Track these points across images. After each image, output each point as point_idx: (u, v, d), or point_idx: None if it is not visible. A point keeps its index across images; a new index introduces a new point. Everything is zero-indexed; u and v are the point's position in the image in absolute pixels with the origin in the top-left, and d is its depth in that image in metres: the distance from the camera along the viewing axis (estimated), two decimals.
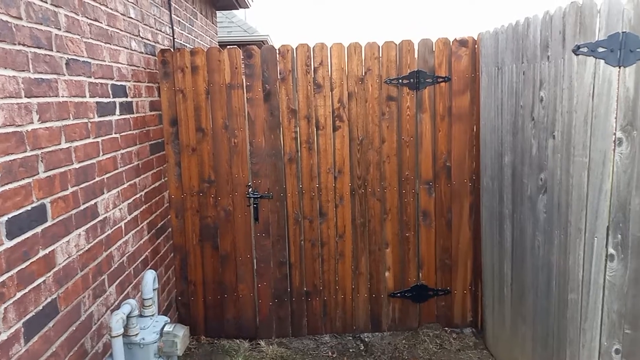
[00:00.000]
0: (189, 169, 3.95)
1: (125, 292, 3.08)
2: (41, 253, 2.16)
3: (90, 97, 2.68)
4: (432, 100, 3.91)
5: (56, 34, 2.33)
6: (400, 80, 3.88)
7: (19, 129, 2.02)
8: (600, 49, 2.43)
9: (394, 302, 4.15)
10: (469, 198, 4.02)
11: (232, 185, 3.97)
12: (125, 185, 3.14)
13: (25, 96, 2.07)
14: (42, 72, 2.20)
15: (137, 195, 3.35)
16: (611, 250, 2.56)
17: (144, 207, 3.45)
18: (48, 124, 2.25)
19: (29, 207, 2.08)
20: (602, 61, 2.44)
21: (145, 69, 3.59)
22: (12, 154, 1.98)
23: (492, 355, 3.78)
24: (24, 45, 2.07)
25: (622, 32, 2.40)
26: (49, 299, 2.21)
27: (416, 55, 3.87)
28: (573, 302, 2.66)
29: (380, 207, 4.03)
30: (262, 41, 12.27)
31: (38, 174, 2.16)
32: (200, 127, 3.89)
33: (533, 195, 3.01)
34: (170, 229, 4.01)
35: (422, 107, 3.92)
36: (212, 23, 6.51)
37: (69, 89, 2.45)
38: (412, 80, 3.88)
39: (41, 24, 2.21)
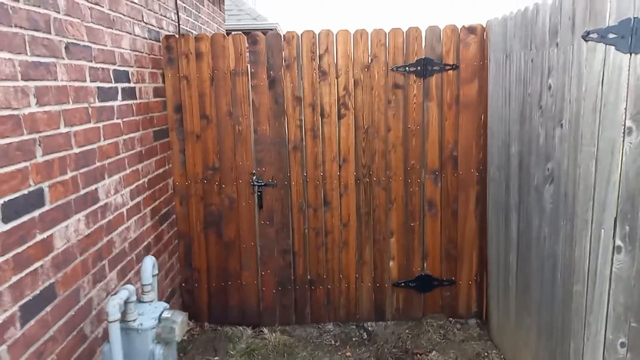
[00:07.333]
0: (193, 156, 3.93)
1: (127, 278, 3.09)
2: (39, 237, 2.16)
3: (91, 81, 2.66)
4: (440, 88, 3.85)
5: (55, 17, 2.31)
6: (407, 68, 3.81)
7: (15, 112, 2.01)
8: (611, 35, 2.35)
9: (398, 291, 4.12)
10: (476, 188, 3.97)
11: (236, 173, 3.95)
12: (127, 171, 3.13)
13: (22, 79, 2.05)
14: (40, 55, 2.19)
15: (140, 182, 3.34)
16: (618, 242, 2.49)
17: (147, 193, 3.44)
18: (46, 108, 2.23)
19: (25, 191, 2.07)
20: (612, 47, 2.36)
21: (149, 54, 3.57)
22: (8, 137, 1.97)
23: (496, 346, 3.74)
24: (20, 27, 2.06)
25: (634, 18, 2.31)
26: (46, 283, 2.21)
27: (423, 43, 3.80)
28: (578, 294, 2.61)
29: (386, 197, 3.99)
30: (271, 29, 12.19)
31: (36, 157, 2.15)
32: (205, 114, 3.87)
33: (539, 185, 2.95)
34: (174, 216, 4.00)
35: (429, 95, 3.86)
36: (220, 10, 6.46)
37: (69, 73, 2.43)
38: (419, 67, 3.81)
39: (39, 6, 2.19)
